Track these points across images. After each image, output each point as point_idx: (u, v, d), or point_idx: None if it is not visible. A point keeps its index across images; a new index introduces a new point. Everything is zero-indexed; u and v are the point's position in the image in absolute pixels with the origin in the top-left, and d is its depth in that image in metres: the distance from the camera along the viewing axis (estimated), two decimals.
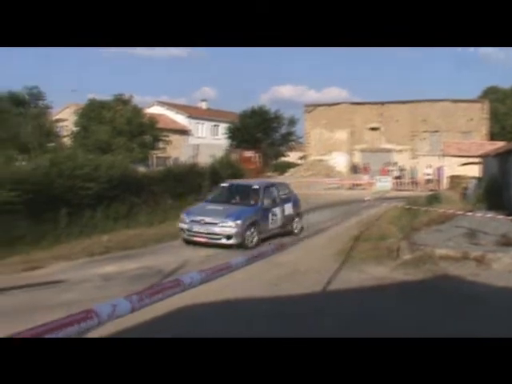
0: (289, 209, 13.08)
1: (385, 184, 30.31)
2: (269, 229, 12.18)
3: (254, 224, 11.52)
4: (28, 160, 14.49)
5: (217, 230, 11.24)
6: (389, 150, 38.78)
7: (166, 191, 15.87)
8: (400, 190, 28.46)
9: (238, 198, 12.55)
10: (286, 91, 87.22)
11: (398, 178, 33.15)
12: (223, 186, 13.29)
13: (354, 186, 31.05)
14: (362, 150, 39.60)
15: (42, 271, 9.10)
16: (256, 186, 12.60)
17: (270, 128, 40.06)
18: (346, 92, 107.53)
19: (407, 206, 15.67)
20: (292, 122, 41.54)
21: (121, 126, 28.35)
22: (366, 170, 36.37)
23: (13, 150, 14.54)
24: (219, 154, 25.47)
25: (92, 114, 29.32)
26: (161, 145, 32.73)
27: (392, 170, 34.82)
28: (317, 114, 40.84)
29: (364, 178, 32.80)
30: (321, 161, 39.50)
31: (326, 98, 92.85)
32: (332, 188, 29.86)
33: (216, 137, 46.70)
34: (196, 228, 11.46)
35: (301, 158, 42.12)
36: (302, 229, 13.63)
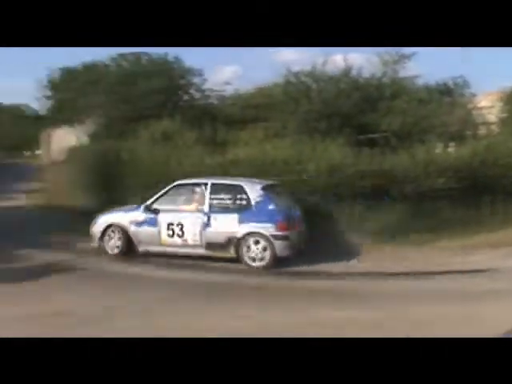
0: (233, 223, 8.88)
1: None
2: (160, 242, 9.25)
3: (112, 228, 9.52)
4: (456, 147, 14.35)
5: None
6: None
7: None
8: None
9: None
10: None
11: None
12: None
13: None
14: None
15: (472, 258, 9.44)
16: (175, 183, 9.75)
17: None
18: None
19: None
20: None
21: None
22: None
23: (442, 139, 14.54)
24: None
25: None
26: None
27: None
28: None
29: None
30: None
31: None
32: None
33: None
34: None
35: None
36: (272, 261, 8.65)
